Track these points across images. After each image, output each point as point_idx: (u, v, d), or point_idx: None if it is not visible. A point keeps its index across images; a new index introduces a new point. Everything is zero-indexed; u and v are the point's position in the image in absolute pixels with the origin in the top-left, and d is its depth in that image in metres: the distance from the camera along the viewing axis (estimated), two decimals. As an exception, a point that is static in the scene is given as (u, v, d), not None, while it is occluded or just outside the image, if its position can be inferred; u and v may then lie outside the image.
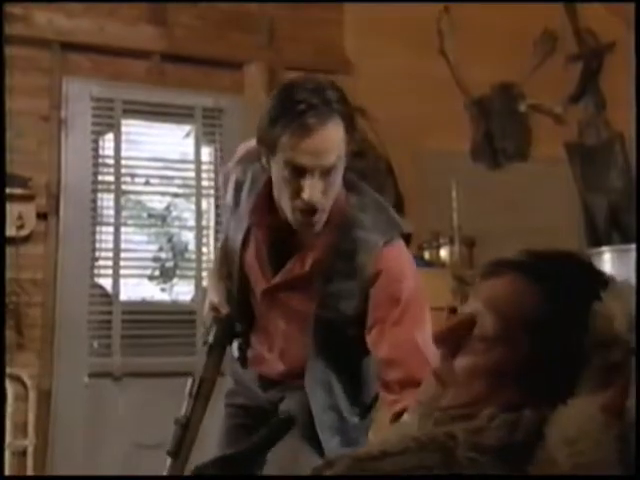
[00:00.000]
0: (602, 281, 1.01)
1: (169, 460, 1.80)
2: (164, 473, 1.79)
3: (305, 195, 1.65)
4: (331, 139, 1.63)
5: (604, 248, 4.10)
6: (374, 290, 1.73)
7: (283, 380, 1.93)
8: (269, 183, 1.77)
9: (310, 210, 1.68)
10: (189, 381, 1.87)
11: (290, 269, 1.81)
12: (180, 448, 1.80)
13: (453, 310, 3.53)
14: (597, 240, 4.58)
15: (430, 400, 1.05)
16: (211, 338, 1.91)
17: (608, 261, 3.86)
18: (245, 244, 1.89)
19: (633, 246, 3.62)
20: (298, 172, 1.65)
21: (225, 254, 2.03)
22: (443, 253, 4.23)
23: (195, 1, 4.25)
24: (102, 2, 4.10)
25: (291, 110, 1.61)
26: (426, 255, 4.22)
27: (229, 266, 1.98)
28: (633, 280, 1.00)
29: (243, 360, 2.00)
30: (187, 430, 1.81)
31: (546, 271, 1.03)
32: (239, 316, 1.97)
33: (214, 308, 1.98)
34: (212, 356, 1.91)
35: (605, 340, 0.93)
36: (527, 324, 0.99)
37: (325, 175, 1.65)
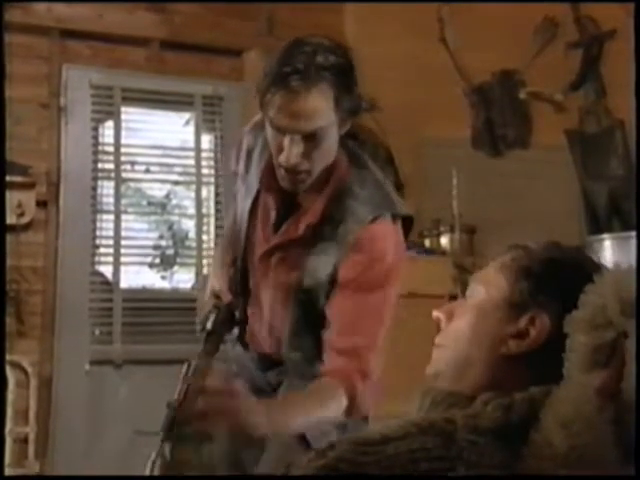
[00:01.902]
0: (597, 269, 1.07)
1: (160, 444, 1.80)
2: (151, 456, 1.79)
3: (282, 156, 1.67)
4: (313, 105, 1.61)
5: (604, 235, 4.11)
6: (347, 259, 1.71)
7: (277, 357, 1.92)
8: None
9: (291, 170, 1.69)
10: (184, 366, 1.87)
11: (286, 230, 1.81)
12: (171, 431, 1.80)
13: (453, 297, 3.53)
14: (597, 227, 4.59)
15: (431, 371, 1.14)
16: (210, 325, 1.91)
17: (608, 248, 3.88)
18: (253, 211, 1.90)
19: (633, 233, 3.63)
20: (279, 132, 1.66)
21: (230, 237, 2.03)
22: (444, 241, 4.24)
23: (198, 1, 4.23)
24: (102, 2, 4.09)
25: (278, 71, 1.61)
26: (427, 243, 4.23)
27: (235, 245, 1.98)
28: (631, 267, 1.01)
29: (242, 338, 2.01)
30: None
31: (551, 251, 1.12)
32: (241, 290, 1.97)
33: (215, 295, 1.98)
34: (209, 342, 1.90)
35: (596, 322, 0.94)
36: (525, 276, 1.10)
37: (308, 139, 1.65)
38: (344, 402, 1.61)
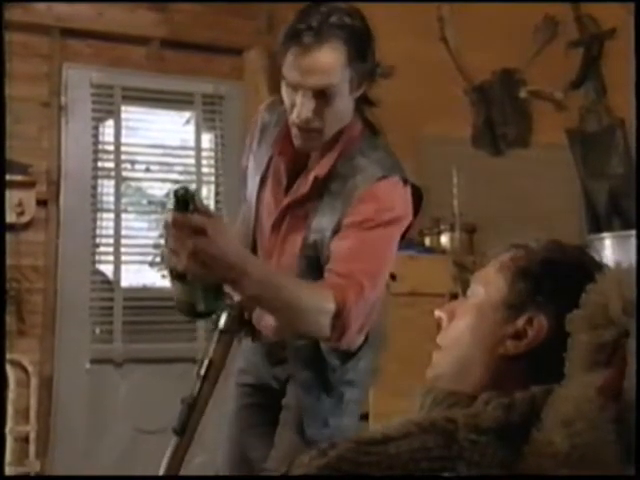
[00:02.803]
0: (599, 268, 1.07)
1: (174, 438, 1.80)
2: (167, 452, 1.79)
3: (294, 112, 1.71)
4: (324, 61, 1.65)
5: (605, 234, 4.10)
6: (353, 209, 1.71)
7: (283, 345, 1.91)
8: None
9: (303, 127, 1.72)
10: (199, 363, 1.86)
11: (296, 189, 1.83)
12: (186, 427, 1.80)
13: (454, 296, 3.53)
14: (598, 226, 4.58)
15: (432, 373, 1.14)
16: (222, 324, 1.90)
17: (609, 247, 3.87)
18: (263, 183, 1.91)
19: (633, 232, 3.61)
20: (292, 88, 1.70)
21: (239, 234, 2.02)
22: (444, 239, 4.23)
23: (197, 1, 4.23)
24: (102, 2, 4.08)
25: (293, 27, 1.65)
26: (427, 241, 4.22)
27: (244, 241, 1.97)
28: (632, 266, 1.01)
29: (252, 328, 1.99)
30: (193, 410, 1.81)
31: (551, 251, 1.12)
32: None
33: (227, 294, 1.97)
34: (221, 342, 1.89)
35: (598, 321, 0.95)
36: (523, 277, 1.10)
37: (319, 96, 1.68)
38: (332, 305, 1.58)
